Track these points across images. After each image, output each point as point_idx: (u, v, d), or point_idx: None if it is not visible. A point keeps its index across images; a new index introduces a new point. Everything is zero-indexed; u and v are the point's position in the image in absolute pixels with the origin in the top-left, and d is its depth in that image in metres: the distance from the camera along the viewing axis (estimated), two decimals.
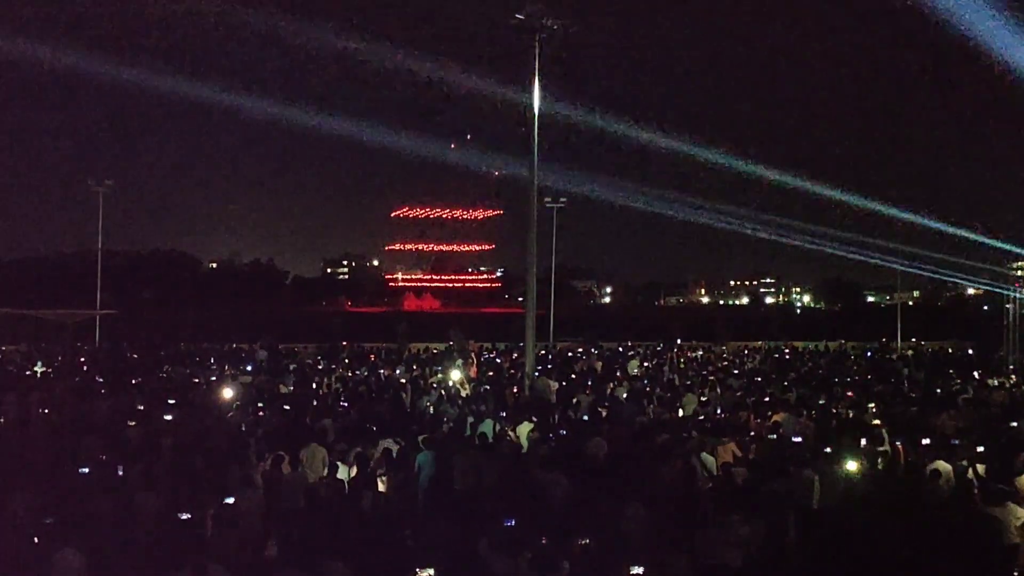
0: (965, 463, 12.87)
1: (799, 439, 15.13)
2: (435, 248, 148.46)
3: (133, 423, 16.52)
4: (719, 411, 19.27)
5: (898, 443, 14.45)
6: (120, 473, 12.16)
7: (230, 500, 10.54)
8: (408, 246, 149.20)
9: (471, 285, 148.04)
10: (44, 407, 18.64)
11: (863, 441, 14.51)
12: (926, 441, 14.34)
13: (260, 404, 19.61)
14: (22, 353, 35.71)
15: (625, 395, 21.71)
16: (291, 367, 31.09)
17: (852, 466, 12.53)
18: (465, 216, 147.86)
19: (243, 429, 16.38)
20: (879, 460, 14.03)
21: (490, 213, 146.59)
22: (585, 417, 18.34)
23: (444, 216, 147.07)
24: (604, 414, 18.69)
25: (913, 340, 52.52)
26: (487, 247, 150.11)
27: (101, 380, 24.84)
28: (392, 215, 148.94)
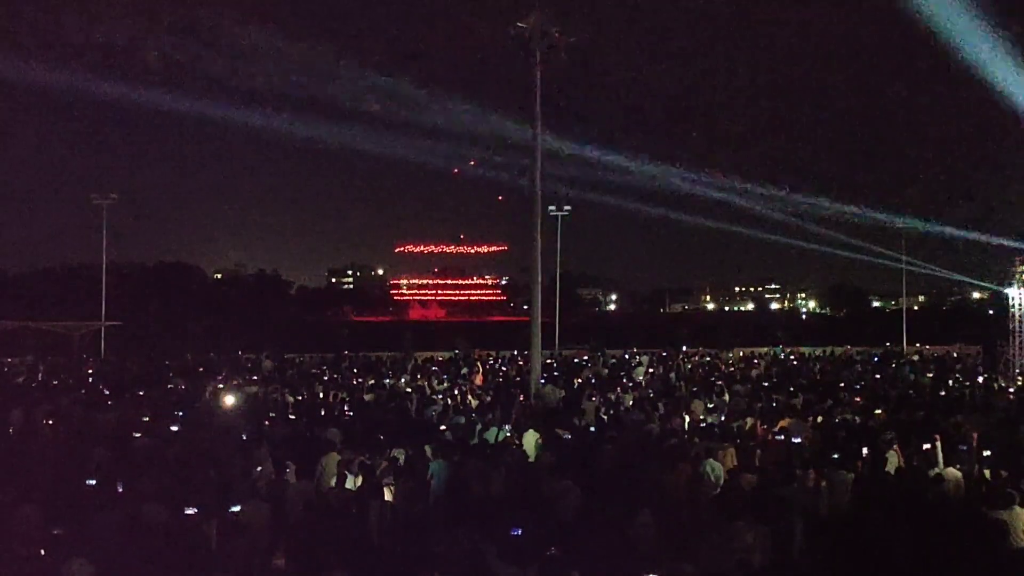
0: (975, 467, 12.85)
1: (798, 440, 15.16)
2: (440, 282, 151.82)
3: (139, 434, 16.54)
4: (723, 417, 19.26)
5: (895, 447, 14.38)
6: (126, 485, 12.17)
7: (236, 508, 10.55)
8: (413, 280, 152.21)
9: (476, 297, 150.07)
10: (50, 419, 18.66)
11: (864, 450, 14.47)
12: (927, 446, 14.29)
13: (266, 414, 19.63)
14: (28, 365, 35.76)
15: (631, 402, 21.69)
16: (297, 376, 31.14)
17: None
18: (470, 252, 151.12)
19: (249, 439, 16.38)
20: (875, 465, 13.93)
21: (495, 248, 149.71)
22: (590, 426, 18.31)
23: (449, 252, 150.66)
24: (610, 421, 18.70)
25: (919, 344, 52.46)
26: (493, 280, 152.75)
27: (107, 392, 24.86)
28: (396, 251, 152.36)
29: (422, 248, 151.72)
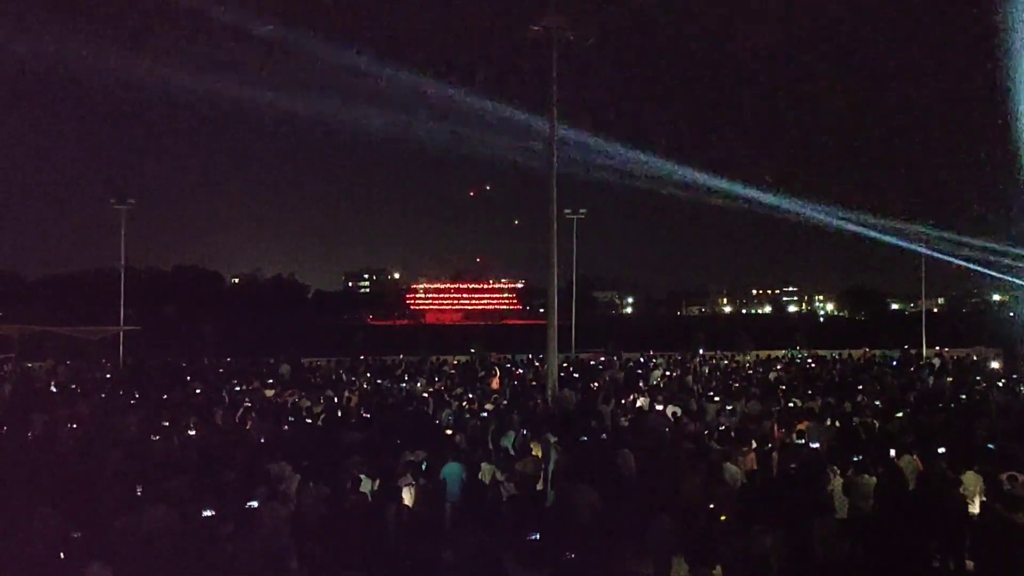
0: (995, 471, 12.71)
1: (816, 444, 15.06)
2: (460, 306, 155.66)
3: (157, 438, 16.60)
4: (740, 421, 19.13)
5: (914, 452, 14.25)
6: (145, 489, 12.21)
7: (254, 504, 10.60)
8: (433, 306, 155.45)
9: (492, 307, 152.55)
10: (70, 423, 18.77)
11: (892, 451, 14.36)
12: (942, 450, 14.15)
13: (283, 418, 19.67)
14: (48, 369, 36.00)
15: (648, 406, 21.58)
16: (314, 380, 31.19)
17: None
18: (488, 287, 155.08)
19: (267, 442, 16.41)
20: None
21: (512, 285, 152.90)
22: (607, 430, 18.23)
23: (465, 288, 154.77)
24: (627, 425, 18.62)
25: (938, 347, 51.99)
26: (514, 306, 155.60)
27: (126, 396, 24.98)
28: (413, 286, 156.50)
29: (438, 285, 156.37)
